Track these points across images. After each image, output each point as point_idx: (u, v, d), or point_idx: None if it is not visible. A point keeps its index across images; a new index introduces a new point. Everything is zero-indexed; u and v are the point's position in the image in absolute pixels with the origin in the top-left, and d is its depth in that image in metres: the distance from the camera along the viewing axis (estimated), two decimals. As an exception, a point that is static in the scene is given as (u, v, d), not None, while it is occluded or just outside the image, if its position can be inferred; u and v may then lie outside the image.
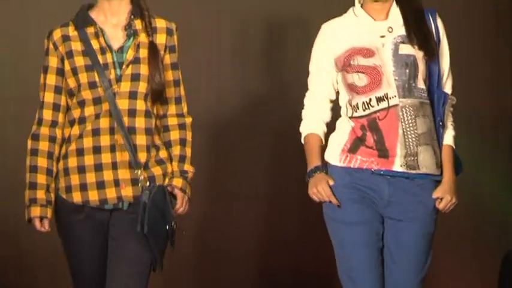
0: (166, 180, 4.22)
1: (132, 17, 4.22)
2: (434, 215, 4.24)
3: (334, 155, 4.27)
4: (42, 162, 4.22)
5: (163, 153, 4.27)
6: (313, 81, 4.39)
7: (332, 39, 4.32)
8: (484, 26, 7.04)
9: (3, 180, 6.27)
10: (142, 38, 4.22)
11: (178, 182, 4.20)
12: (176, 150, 4.31)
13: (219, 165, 6.36)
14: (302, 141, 4.35)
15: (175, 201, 4.17)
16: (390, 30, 4.26)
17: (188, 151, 4.33)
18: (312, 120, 4.40)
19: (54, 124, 4.25)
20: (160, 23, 4.28)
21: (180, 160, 4.32)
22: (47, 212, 4.15)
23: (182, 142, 4.34)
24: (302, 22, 6.59)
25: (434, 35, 4.32)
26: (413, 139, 4.22)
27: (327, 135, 4.32)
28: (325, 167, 4.30)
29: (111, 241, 4.15)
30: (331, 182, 4.21)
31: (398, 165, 4.18)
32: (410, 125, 4.22)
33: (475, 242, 6.71)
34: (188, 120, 4.34)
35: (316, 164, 4.28)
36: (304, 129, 4.38)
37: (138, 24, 4.22)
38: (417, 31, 4.27)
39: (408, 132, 4.22)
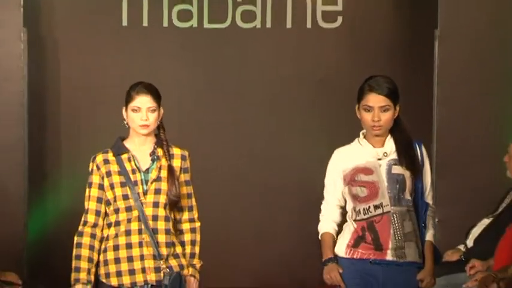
0: (184, 270, 4.98)
1: (155, 146, 5.00)
2: None
3: (341, 250, 4.97)
4: (84, 252, 4.92)
5: (178, 249, 5.00)
6: (327, 192, 5.06)
7: (342, 161, 4.97)
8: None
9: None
10: (163, 162, 4.97)
11: (190, 271, 5.01)
12: (188, 249, 5.06)
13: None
14: (319, 237, 5.06)
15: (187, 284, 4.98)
16: (385, 155, 4.90)
17: (197, 249, 5.10)
18: (327, 223, 5.05)
19: (95, 225, 4.97)
20: (176, 151, 5.04)
21: (191, 256, 5.07)
22: None
23: (192, 243, 5.09)
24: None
25: (419, 159, 4.95)
26: (401, 237, 4.87)
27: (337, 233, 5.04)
28: (335, 258, 4.96)
29: None
30: (340, 270, 4.91)
31: (390, 256, 4.86)
32: (399, 226, 4.88)
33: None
34: (198, 224, 5.11)
35: (329, 256, 4.97)
36: (321, 229, 5.05)
37: (160, 151, 4.98)
38: (406, 156, 4.89)
39: (397, 232, 4.88)
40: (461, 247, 6.91)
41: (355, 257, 4.93)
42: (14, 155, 7.81)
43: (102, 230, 4.98)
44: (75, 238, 4.93)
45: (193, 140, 8.05)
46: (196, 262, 5.06)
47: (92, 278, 4.95)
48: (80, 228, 4.95)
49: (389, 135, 4.90)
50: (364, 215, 4.90)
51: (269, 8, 8.43)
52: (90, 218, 4.94)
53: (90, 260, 4.94)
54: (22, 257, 7.89)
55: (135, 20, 8.36)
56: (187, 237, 5.06)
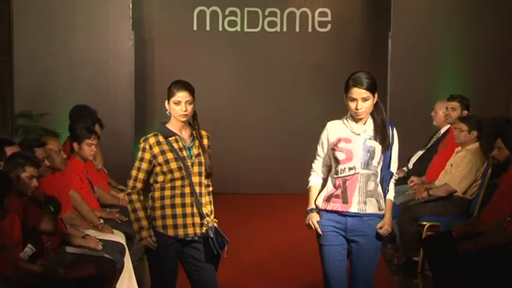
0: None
1: (191, 130, 5.05)
2: (378, 237, 5.00)
3: (319, 202, 5.06)
4: (138, 205, 5.04)
5: (210, 208, 5.13)
6: (318, 154, 5.14)
7: (331, 131, 5.04)
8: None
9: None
10: (198, 141, 5.04)
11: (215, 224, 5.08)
12: (209, 208, 5.14)
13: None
14: (307, 187, 5.15)
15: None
16: (364, 131, 4.95)
17: (212, 207, 5.13)
18: (314, 177, 5.16)
19: (141, 189, 5.05)
20: (204, 133, 5.10)
21: (211, 213, 5.16)
22: (151, 232, 4.96)
23: (211, 203, 5.17)
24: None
25: (390, 138, 4.96)
26: (364, 193, 4.94)
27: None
28: (315, 209, 5.06)
29: (189, 257, 5.08)
30: (318, 219, 5.00)
31: (354, 208, 4.94)
32: (363, 185, 4.96)
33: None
34: (211, 188, 5.14)
35: (311, 207, 5.06)
36: (311, 181, 5.16)
37: (195, 133, 5.04)
38: (380, 134, 4.93)
39: (361, 189, 4.95)
40: (405, 168, 8.35)
41: (328, 208, 5.08)
42: (126, 112, 9.68)
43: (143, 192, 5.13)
44: (127, 197, 5.03)
45: (239, 103, 10.60)
46: (214, 218, 5.24)
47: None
48: (130, 191, 5.08)
49: (369, 117, 4.98)
50: (341, 174, 5.03)
51: (285, 19, 10.60)
52: (139, 184, 5.08)
53: (144, 209, 5.10)
54: (130, 177, 9.13)
55: (201, 26, 10.50)
56: (208, 198, 5.25)
